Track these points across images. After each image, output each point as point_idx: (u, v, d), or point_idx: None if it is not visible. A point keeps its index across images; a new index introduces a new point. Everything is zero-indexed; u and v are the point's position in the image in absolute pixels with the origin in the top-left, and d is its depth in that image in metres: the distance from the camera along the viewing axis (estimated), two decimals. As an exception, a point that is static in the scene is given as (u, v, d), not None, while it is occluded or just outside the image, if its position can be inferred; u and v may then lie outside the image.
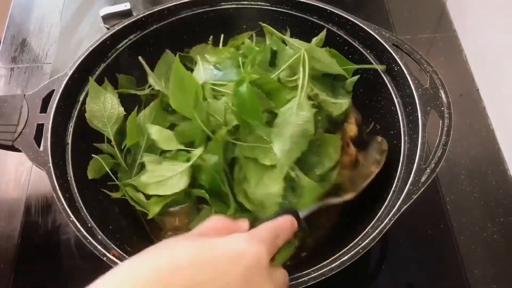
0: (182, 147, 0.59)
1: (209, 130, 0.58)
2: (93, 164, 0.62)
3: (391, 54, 0.62)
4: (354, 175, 0.61)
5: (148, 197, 0.59)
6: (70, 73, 0.62)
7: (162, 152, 0.61)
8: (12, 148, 0.59)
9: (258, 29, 0.74)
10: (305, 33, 0.73)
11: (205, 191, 0.58)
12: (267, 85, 0.57)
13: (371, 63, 0.66)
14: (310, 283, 0.47)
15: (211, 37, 0.74)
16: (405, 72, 0.60)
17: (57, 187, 0.54)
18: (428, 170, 0.53)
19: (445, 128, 0.56)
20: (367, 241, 0.50)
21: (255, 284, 0.33)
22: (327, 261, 0.50)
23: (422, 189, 0.52)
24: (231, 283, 0.31)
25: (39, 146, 0.58)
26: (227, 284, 0.31)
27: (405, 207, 0.51)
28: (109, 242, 0.53)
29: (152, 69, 0.71)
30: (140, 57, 0.68)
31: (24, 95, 0.61)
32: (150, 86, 0.68)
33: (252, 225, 0.41)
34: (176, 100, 0.57)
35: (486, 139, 0.77)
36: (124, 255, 0.52)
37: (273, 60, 0.64)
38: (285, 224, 0.42)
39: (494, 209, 0.69)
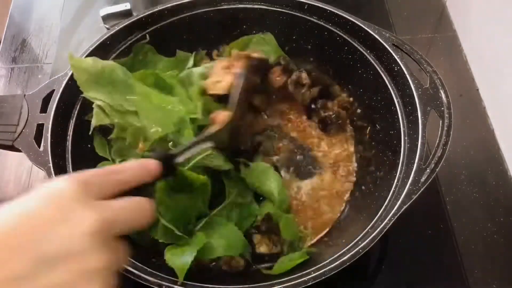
0: None
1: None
2: None
3: (391, 54, 0.62)
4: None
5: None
6: (70, 73, 0.62)
7: None
8: (12, 148, 0.59)
9: (258, 29, 0.74)
10: (305, 33, 0.73)
11: None
12: None
13: (371, 63, 0.66)
14: (310, 283, 0.47)
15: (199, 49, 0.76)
16: (405, 72, 0.60)
17: (57, 187, 0.54)
18: (428, 170, 0.53)
19: (445, 128, 0.56)
20: (367, 241, 0.50)
21: (57, 210, 0.33)
22: (327, 261, 0.50)
23: (422, 189, 0.52)
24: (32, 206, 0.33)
25: (39, 146, 0.58)
26: (28, 207, 0.33)
27: (405, 207, 0.51)
28: (109, 242, 0.53)
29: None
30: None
31: (24, 95, 0.61)
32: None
33: None
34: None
35: (486, 139, 0.77)
36: (124, 255, 0.52)
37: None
38: (128, 167, 0.41)
39: (494, 209, 0.69)
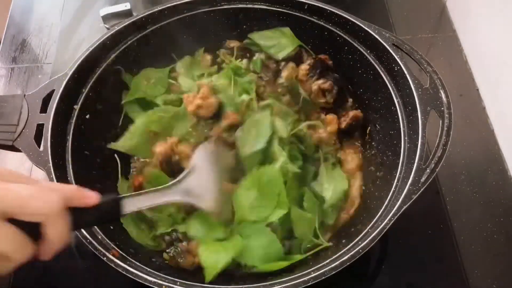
0: None
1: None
2: None
3: (391, 54, 0.62)
4: None
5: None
6: (70, 73, 0.62)
7: None
8: (12, 148, 0.59)
9: (258, 29, 0.74)
10: (305, 33, 0.73)
11: None
12: None
13: (371, 63, 0.66)
14: (310, 283, 0.47)
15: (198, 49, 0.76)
16: (405, 72, 0.60)
17: (57, 187, 0.54)
18: (428, 170, 0.53)
19: (445, 128, 0.56)
20: (367, 241, 0.50)
21: None
22: (327, 261, 0.50)
23: (422, 189, 0.52)
24: None
25: (39, 146, 0.58)
26: None
27: (405, 207, 0.51)
28: (109, 242, 0.53)
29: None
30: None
31: (24, 95, 0.61)
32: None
33: None
34: None
35: (486, 139, 0.77)
36: (124, 255, 0.52)
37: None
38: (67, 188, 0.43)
39: (494, 209, 0.69)
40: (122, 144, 0.66)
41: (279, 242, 0.57)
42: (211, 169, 0.55)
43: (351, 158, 0.70)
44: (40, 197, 0.38)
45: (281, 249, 0.57)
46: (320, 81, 0.71)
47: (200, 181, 0.53)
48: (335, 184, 0.65)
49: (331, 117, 0.71)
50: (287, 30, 0.73)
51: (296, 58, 0.74)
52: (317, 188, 0.65)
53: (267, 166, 0.60)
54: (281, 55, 0.73)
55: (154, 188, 0.51)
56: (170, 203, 0.57)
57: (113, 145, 0.66)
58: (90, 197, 0.43)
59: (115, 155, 0.66)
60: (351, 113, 0.71)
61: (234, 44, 0.75)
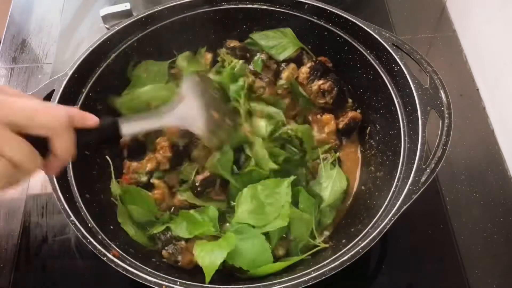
0: None
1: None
2: None
3: (391, 54, 0.62)
4: None
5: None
6: (70, 73, 0.62)
7: None
8: (12, 148, 0.59)
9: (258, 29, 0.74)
10: (305, 33, 0.73)
11: None
12: None
13: (371, 63, 0.66)
14: (310, 283, 0.47)
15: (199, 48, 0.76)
16: (405, 72, 0.60)
17: (57, 187, 0.54)
18: (428, 170, 0.53)
19: (445, 128, 0.56)
20: (367, 241, 0.50)
21: None
22: (327, 261, 0.50)
23: (422, 189, 0.52)
24: None
25: (39, 146, 0.57)
26: None
27: (405, 207, 0.51)
28: (109, 242, 0.53)
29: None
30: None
31: (24, 95, 0.61)
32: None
33: None
34: None
35: (486, 139, 0.77)
36: (124, 254, 0.52)
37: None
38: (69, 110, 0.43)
39: (494, 209, 0.69)
40: (122, 101, 0.68)
41: (270, 251, 0.57)
42: (198, 98, 0.58)
43: (352, 157, 0.70)
44: (48, 111, 0.40)
45: (271, 258, 0.57)
46: (320, 82, 0.71)
47: (190, 108, 0.56)
48: (333, 183, 0.65)
49: (328, 117, 0.72)
50: (288, 31, 0.73)
51: (296, 59, 0.74)
52: (315, 188, 0.66)
53: (279, 178, 0.61)
54: (281, 56, 0.73)
55: (150, 112, 0.55)
56: (166, 127, 0.61)
57: (116, 101, 0.67)
58: (90, 118, 0.44)
59: (107, 156, 0.66)
60: (350, 114, 0.71)
61: (234, 43, 0.75)
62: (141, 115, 0.52)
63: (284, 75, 0.72)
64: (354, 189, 0.68)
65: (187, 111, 0.56)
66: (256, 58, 0.73)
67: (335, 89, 0.71)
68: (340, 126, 0.71)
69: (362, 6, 0.95)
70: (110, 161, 0.66)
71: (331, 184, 0.65)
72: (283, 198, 0.60)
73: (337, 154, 0.70)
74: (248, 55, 0.75)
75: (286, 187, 0.60)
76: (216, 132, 0.59)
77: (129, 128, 0.49)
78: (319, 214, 0.63)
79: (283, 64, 0.73)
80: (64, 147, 0.41)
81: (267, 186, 0.61)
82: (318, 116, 0.73)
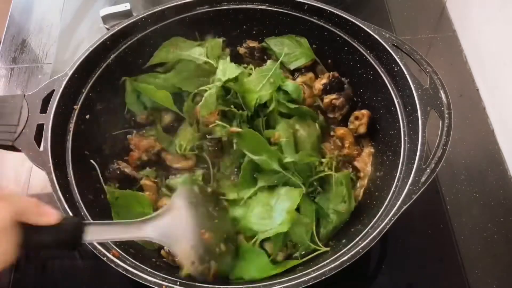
0: None
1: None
2: None
3: (391, 54, 0.62)
4: None
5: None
6: (70, 73, 0.62)
7: None
8: (12, 148, 0.59)
9: (258, 29, 0.74)
10: (305, 33, 0.73)
11: None
12: None
13: (371, 63, 0.66)
14: (310, 283, 0.47)
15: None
16: (405, 72, 0.60)
17: (57, 187, 0.54)
18: (428, 170, 0.54)
19: (445, 128, 0.56)
20: (367, 241, 0.50)
21: None
22: (328, 260, 0.50)
23: (422, 189, 0.52)
24: None
25: (39, 146, 0.58)
26: None
27: (405, 207, 0.51)
28: (109, 242, 0.53)
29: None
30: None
31: (24, 95, 0.61)
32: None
33: None
34: None
35: (486, 139, 0.77)
36: (124, 254, 0.52)
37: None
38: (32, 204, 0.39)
39: (494, 209, 0.69)
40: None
41: (271, 266, 0.56)
42: (190, 213, 0.50)
43: (366, 160, 0.69)
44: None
45: (272, 270, 0.55)
46: (333, 96, 0.71)
47: (177, 223, 0.48)
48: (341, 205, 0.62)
49: (342, 131, 0.70)
50: (304, 41, 0.73)
51: (308, 68, 0.75)
52: (322, 202, 0.63)
53: (291, 187, 0.60)
54: (292, 66, 0.73)
55: (125, 221, 0.47)
56: (140, 241, 0.52)
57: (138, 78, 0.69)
58: (49, 214, 0.38)
59: (91, 161, 0.64)
60: (365, 113, 0.69)
61: (253, 44, 0.75)
62: (115, 222, 0.47)
63: (299, 81, 0.72)
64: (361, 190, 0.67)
65: (171, 227, 0.47)
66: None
67: (346, 106, 0.71)
68: (362, 130, 0.69)
69: (362, 6, 0.95)
70: (96, 165, 0.64)
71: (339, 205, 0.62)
72: (291, 206, 0.58)
73: (351, 172, 0.67)
74: (265, 57, 0.75)
75: (297, 195, 0.58)
76: (204, 259, 0.49)
77: (95, 235, 0.43)
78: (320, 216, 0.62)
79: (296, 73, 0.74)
80: (1, 250, 0.34)
81: (280, 193, 0.60)
82: (332, 132, 0.71)
